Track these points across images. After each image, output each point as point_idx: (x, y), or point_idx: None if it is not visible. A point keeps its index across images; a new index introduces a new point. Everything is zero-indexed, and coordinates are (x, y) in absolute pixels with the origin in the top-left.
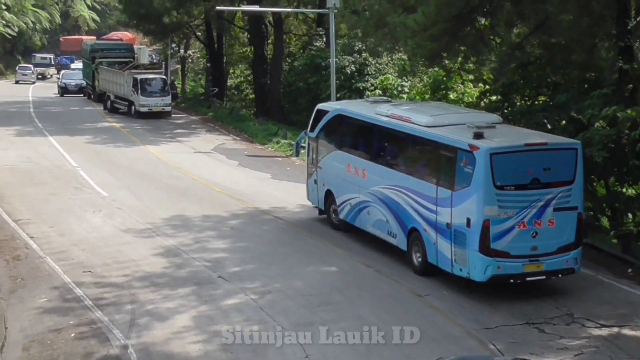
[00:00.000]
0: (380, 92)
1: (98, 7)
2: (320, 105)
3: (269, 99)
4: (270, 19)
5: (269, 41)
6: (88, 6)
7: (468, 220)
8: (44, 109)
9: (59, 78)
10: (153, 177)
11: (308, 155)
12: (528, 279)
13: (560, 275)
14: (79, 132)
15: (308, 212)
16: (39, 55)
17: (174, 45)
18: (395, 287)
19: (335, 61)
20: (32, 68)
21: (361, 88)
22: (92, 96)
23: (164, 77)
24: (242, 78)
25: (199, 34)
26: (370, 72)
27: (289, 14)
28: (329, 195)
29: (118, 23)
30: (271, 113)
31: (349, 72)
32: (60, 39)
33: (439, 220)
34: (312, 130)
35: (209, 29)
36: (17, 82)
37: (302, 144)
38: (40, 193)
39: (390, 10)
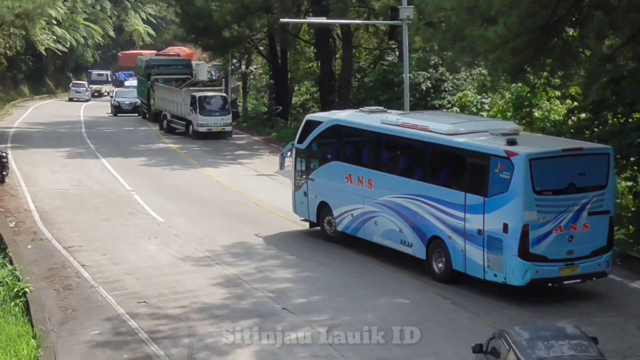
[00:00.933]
0: (458, 109)
1: (154, 20)
2: (310, 116)
3: None
4: (339, 31)
5: (337, 56)
6: (143, 20)
7: (505, 225)
8: (97, 129)
9: (112, 97)
10: (212, 202)
11: (296, 168)
12: (565, 282)
13: (594, 279)
14: (134, 154)
15: None
16: (95, 72)
17: (234, 60)
18: (476, 322)
19: (409, 77)
20: (87, 85)
21: (437, 105)
22: (147, 115)
23: (224, 95)
24: (308, 95)
25: (262, 48)
26: (447, 89)
27: (359, 26)
28: (322, 207)
29: (175, 37)
30: None
31: (424, 88)
32: (119, 54)
33: (468, 227)
34: (300, 141)
35: (272, 43)
36: (70, 100)
37: (287, 156)
38: (92, 219)
39: (469, 22)
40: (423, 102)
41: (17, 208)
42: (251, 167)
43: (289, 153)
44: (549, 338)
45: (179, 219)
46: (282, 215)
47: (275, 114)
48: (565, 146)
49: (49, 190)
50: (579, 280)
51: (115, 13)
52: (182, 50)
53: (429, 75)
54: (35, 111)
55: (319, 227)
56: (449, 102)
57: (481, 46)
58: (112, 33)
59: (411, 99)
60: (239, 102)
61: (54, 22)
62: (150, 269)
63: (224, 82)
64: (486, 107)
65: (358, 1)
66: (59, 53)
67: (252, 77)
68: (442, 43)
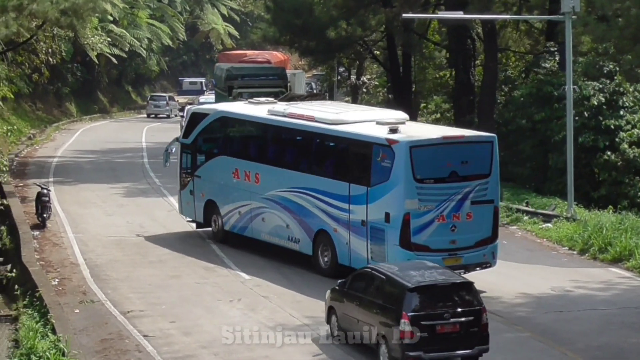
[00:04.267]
0: None
1: (236, 17)
2: (196, 108)
3: None
4: (479, 30)
5: (477, 62)
6: (223, 16)
7: (387, 214)
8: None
9: (182, 116)
10: None
11: (181, 165)
12: None
13: (478, 269)
14: None
15: (532, 305)
16: (186, 80)
17: (342, 69)
18: None
19: (574, 89)
20: (167, 98)
21: (613, 127)
22: None
23: None
24: (439, 114)
25: (378, 53)
26: (626, 104)
27: (506, 23)
28: (210, 206)
29: (264, 39)
30: None
31: (595, 104)
32: (218, 54)
33: (353, 219)
34: (186, 136)
35: (391, 45)
36: (148, 116)
37: (171, 151)
38: (157, 275)
39: None
40: (593, 122)
41: (61, 261)
42: None
43: (173, 149)
44: (416, 269)
45: (270, 275)
46: None
47: None
48: (447, 134)
49: (101, 237)
50: (462, 271)
51: (188, 8)
52: (273, 56)
53: (601, 86)
54: (84, 135)
55: (208, 228)
56: (629, 122)
57: None
58: (183, 34)
59: (576, 118)
60: None
61: (110, 19)
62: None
63: (327, 97)
64: None
65: None
66: (115, 61)
67: (364, 90)
68: (620, 43)
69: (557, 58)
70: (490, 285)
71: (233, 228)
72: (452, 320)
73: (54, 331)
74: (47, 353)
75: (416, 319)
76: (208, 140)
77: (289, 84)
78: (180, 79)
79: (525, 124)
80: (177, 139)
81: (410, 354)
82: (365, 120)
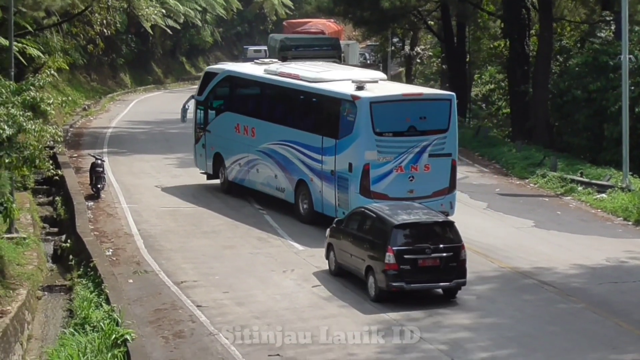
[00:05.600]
0: None
1: None
2: (210, 68)
3: (532, 115)
4: (534, 0)
5: (532, 32)
6: None
7: (350, 165)
8: None
9: None
10: None
11: (196, 120)
12: None
13: None
14: None
15: (586, 276)
16: (251, 48)
17: (396, 39)
18: None
19: (630, 59)
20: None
21: None
22: None
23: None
24: (493, 85)
25: (432, 23)
26: None
27: None
28: (217, 159)
29: (318, 9)
30: (534, 134)
31: None
32: (284, 22)
33: (324, 169)
34: (200, 93)
35: (445, 15)
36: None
37: (188, 108)
38: (210, 245)
39: None
40: None
41: (115, 231)
42: None
43: (189, 106)
44: (405, 209)
45: (324, 247)
46: None
47: None
48: (407, 91)
49: (155, 208)
50: None
51: None
52: (327, 26)
53: None
54: (138, 106)
55: (217, 180)
56: None
57: None
58: (236, 4)
59: (632, 87)
60: None
61: None
62: (286, 312)
63: (381, 68)
64: None
65: None
66: (169, 32)
67: (418, 60)
68: None
69: (612, 27)
70: (545, 256)
71: (235, 179)
72: (433, 255)
73: (107, 301)
74: (101, 323)
75: (400, 253)
76: (217, 98)
77: (342, 55)
78: (245, 47)
79: (581, 94)
80: (193, 97)
81: (394, 284)
82: (342, 79)
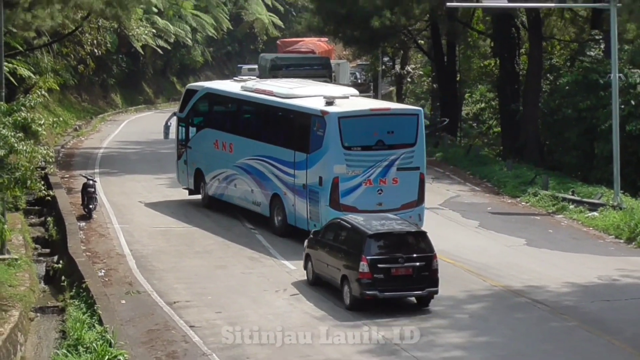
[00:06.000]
0: None
1: (280, 7)
2: (190, 85)
3: (522, 133)
4: (524, 18)
5: (522, 51)
6: (267, 6)
7: (320, 178)
8: None
9: None
10: None
11: (178, 137)
12: None
13: None
14: None
15: (579, 294)
16: (245, 67)
17: (386, 59)
18: None
19: (620, 77)
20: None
21: None
22: None
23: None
24: (483, 103)
25: (422, 42)
26: None
27: (551, 12)
28: (198, 174)
29: (309, 29)
30: (525, 153)
31: None
32: (278, 42)
33: (297, 183)
34: (181, 110)
35: (435, 35)
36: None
37: (170, 125)
38: (203, 265)
39: None
40: None
41: (107, 252)
42: None
43: (171, 123)
44: (379, 219)
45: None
46: (449, 261)
47: (440, 128)
48: (375, 106)
49: (147, 228)
50: None
51: None
52: (317, 46)
53: None
54: (129, 126)
55: (198, 196)
56: None
57: None
58: (227, 24)
59: (622, 106)
60: None
61: (154, 11)
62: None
63: (372, 87)
64: None
65: None
66: (160, 51)
67: (409, 79)
68: None
69: (602, 46)
70: (537, 274)
71: (214, 194)
72: (405, 264)
73: (100, 322)
74: (94, 344)
75: (374, 262)
76: (197, 114)
77: (333, 74)
78: (238, 65)
79: (571, 112)
80: (175, 113)
81: (368, 292)
82: (314, 95)
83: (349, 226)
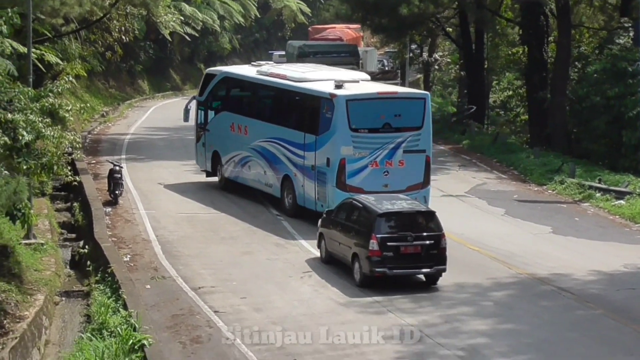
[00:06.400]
0: None
1: None
2: (209, 70)
3: (550, 121)
4: (552, 6)
5: (550, 38)
6: None
7: (328, 160)
8: None
9: None
10: None
11: (197, 120)
12: None
13: None
14: None
15: (604, 283)
16: (276, 53)
17: (414, 46)
18: None
19: None
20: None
21: None
22: None
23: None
24: (511, 91)
25: (450, 30)
26: None
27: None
28: (216, 157)
29: (337, 16)
30: (553, 141)
31: None
32: (309, 28)
33: (306, 164)
34: (200, 94)
35: (464, 22)
36: None
37: (190, 108)
38: (228, 251)
39: None
40: None
41: (133, 237)
42: (435, 186)
43: (191, 106)
44: (390, 199)
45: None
46: (475, 249)
47: (467, 116)
48: (382, 90)
49: (173, 214)
50: None
51: None
52: (345, 33)
53: None
54: (156, 113)
55: (215, 178)
56: None
57: None
58: (255, 12)
59: None
60: None
61: None
62: (303, 318)
63: (399, 74)
64: None
65: None
66: (188, 38)
67: (436, 67)
68: None
69: (631, 34)
70: (562, 262)
71: (230, 175)
72: (414, 242)
73: (125, 307)
74: (118, 328)
75: (383, 241)
76: (215, 98)
77: (361, 62)
78: (269, 52)
79: (599, 100)
80: (194, 97)
81: (377, 270)
82: (325, 79)
83: (361, 206)
